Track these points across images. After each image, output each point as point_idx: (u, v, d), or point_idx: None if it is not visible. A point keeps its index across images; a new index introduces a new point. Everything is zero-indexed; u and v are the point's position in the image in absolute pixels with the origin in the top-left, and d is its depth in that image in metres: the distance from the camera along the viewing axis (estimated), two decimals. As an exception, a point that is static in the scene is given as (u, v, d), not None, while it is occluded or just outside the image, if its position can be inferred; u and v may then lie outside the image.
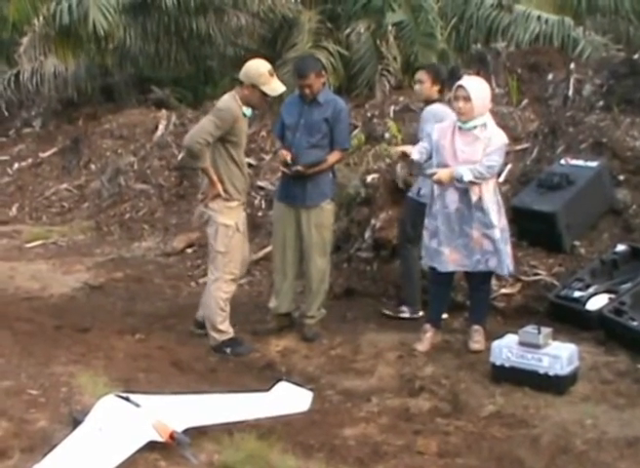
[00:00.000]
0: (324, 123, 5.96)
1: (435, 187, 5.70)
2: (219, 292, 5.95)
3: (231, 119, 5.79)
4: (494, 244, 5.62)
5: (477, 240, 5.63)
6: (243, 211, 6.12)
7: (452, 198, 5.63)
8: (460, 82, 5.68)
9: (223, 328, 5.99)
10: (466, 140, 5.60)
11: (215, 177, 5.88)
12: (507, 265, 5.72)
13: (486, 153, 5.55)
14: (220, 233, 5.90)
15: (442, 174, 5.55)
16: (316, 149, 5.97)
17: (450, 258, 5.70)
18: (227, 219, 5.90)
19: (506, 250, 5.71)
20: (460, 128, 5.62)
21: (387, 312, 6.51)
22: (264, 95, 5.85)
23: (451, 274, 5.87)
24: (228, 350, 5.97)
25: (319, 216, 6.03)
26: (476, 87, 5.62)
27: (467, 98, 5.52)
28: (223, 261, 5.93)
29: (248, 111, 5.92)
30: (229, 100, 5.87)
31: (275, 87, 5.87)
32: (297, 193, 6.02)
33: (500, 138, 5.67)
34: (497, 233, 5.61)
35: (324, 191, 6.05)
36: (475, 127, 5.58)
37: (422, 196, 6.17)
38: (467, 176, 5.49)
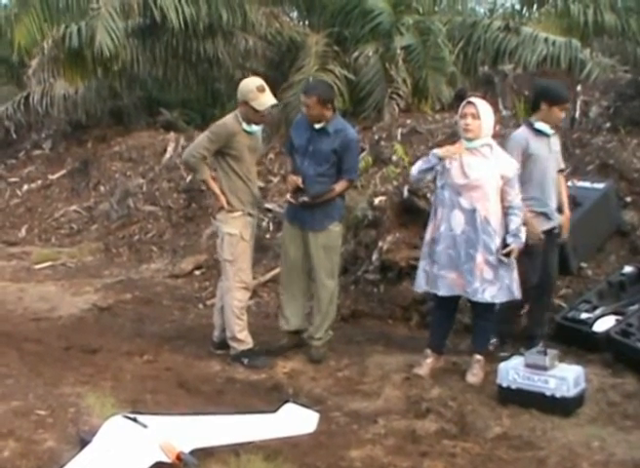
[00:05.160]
0: (332, 154, 5.95)
1: (439, 210, 5.65)
2: (233, 300, 6.08)
3: (225, 134, 5.99)
4: (494, 271, 5.53)
5: (479, 265, 5.52)
6: (250, 221, 6.15)
7: (458, 220, 5.56)
8: (470, 99, 5.68)
9: (242, 337, 6.11)
10: (475, 158, 5.55)
11: (217, 190, 6.09)
12: (512, 292, 5.61)
13: (508, 185, 5.50)
14: (225, 242, 6.07)
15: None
16: (323, 178, 5.97)
17: (457, 283, 5.60)
18: (232, 229, 6.05)
19: (511, 275, 5.59)
20: (465, 147, 5.59)
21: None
22: (256, 110, 5.95)
23: (456, 300, 5.79)
24: (245, 361, 6.07)
25: (327, 238, 6.04)
26: (485, 106, 5.60)
27: (476, 116, 5.50)
28: (232, 270, 6.07)
29: (250, 127, 6.04)
30: (228, 118, 6.10)
31: (263, 101, 5.96)
32: (305, 218, 6.03)
33: (513, 167, 5.58)
34: (496, 259, 5.51)
35: (332, 215, 6.05)
36: (482, 146, 5.56)
37: None
38: (521, 232, 5.52)
